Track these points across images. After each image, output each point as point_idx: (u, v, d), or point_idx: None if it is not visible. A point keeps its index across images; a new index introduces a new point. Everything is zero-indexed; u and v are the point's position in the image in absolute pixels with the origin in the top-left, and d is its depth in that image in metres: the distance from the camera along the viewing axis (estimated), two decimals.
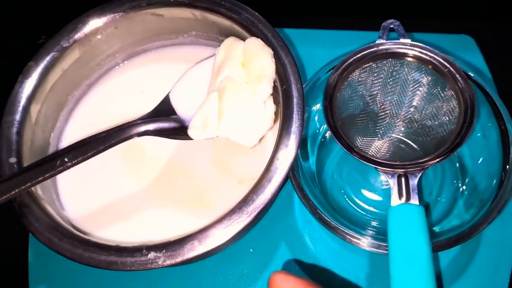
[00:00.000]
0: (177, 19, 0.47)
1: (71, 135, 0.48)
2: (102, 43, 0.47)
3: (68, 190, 0.45)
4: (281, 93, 0.41)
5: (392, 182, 0.39)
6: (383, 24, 0.45)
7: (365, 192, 0.48)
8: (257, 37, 0.42)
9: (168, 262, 0.36)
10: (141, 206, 0.44)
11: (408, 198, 0.39)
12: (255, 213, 0.37)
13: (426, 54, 0.43)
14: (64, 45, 0.44)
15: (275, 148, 0.39)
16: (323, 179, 0.48)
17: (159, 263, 0.36)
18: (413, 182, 0.39)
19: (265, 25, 0.43)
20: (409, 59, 0.43)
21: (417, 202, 0.38)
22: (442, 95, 0.42)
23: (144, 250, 0.36)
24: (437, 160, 0.39)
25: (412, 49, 0.43)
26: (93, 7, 0.46)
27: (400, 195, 0.39)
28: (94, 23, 0.45)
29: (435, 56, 0.42)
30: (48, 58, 0.44)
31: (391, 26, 0.45)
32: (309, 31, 0.57)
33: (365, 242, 0.41)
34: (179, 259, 0.36)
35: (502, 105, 0.43)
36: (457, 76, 0.41)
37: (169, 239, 0.37)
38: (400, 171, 0.39)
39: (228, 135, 0.40)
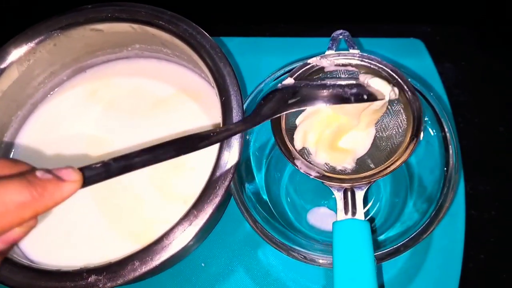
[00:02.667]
0: (117, 34, 0.46)
1: (18, 156, 0.47)
2: (42, 61, 0.46)
3: None
4: (221, 105, 0.40)
5: (338, 196, 0.39)
6: (332, 35, 0.44)
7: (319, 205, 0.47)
8: (196, 49, 0.42)
9: (109, 284, 0.35)
10: (88, 230, 0.44)
11: (354, 213, 0.38)
12: (196, 230, 0.36)
13: (374, 65, 0.42)
14: (1, 66, 0.43)
15: (217, 160, 0.38)
16: (277, 193, 0.48)
17: (100, 285, 0.35)
18: (359, 196, 0.39)
19: (203, 36, 0.42)
20: (359, 69, 0.42)
21: (362, 217, 0.38)
22: (391, 108, 0.42)
23: (85, 274, 0.36)
24: (383, 174, 0.38)
25: (361, 60, 0.42)
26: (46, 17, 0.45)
27: (346, 210, 0.38)
28: (31, 42, 0.44)
29: (384, 67, 0.41)
30: None
31: (340, 36, 0.44)
32: (249, 39, 0.56)
33: (311, 259, 0.40)
34: (120, 281, 0.35)
35: (442, 111, 0.43)
36: (405, 87, 0.40)
37: (109, 260, 0.36)
38: (346, 185, 0.39)
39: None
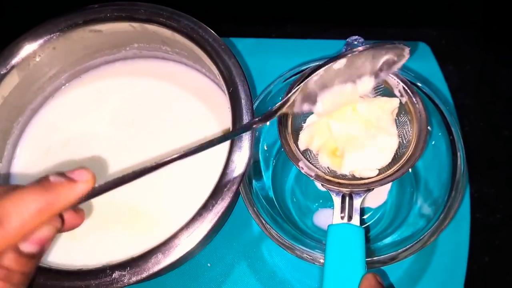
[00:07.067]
0: (116, 33, 0.46)
1: (21, 162, 0.47)
2: (42, 65, 0.46)
3: None
4: (229, 96, 0.41)
5: (336, 200, 0.40)
6: (347, 40, 0.44)
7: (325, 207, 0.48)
8: (199, 43, 0.43)
9: (134, 279, 0.35)
10: (97, 228, 0.44)
11: (350, 218, 0.39)
12: (216, 218, 0.37)
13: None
14: (2, 72, 0.43)
15: (229, 151, 0.39)
16: (283, 193, 0.48)
17: (125, 281, 0.35)
18: (357, 202, 0.39)
19: (206, 30, 0.43)
20: None
21: (358, 223, 0.39)
22: (398, 118, 0.43)
23: (108, 270, 0.36)
24: (382, 182, 0.39)
25: None
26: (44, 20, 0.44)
27: (342, 214, 0.39)
28: (31, 46, 0.44)
29: (395, 78, 0.42)
30: None
31: (355, 42, 0.44)
32: (259, 40, 0.56)
33: (319, 258, 0.40)
34: (144, 274, 0.35)
35: (450, 116, 0.43)
36: (414, 99, 0.41)
37: (132, 255, 0.36)
38: (345, 190, 0.40)
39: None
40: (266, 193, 0.46)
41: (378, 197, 0.48)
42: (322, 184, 0.41)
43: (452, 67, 0.56)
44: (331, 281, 0.36)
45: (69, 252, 0.42)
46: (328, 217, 0.46)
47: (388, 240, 0.43)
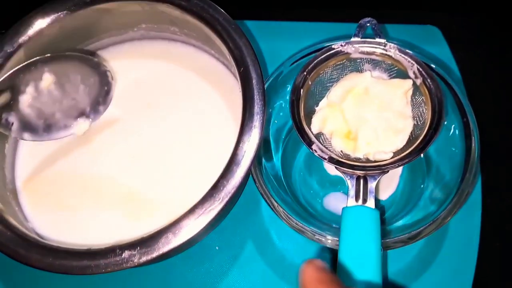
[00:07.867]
0: (124, 13, 0.45)
1: (28, 143, 0.46)
2: (48, 45, 0.45)
3: (30, 200, 0.44)
4: (239, 76, 0.40)
5: (351, 183, 0.39)
6: (360, 22, 0.44)
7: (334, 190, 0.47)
8: (209, 22, 0.42)
9: (144, 259, 0.35)
10: (108, 209, 0.43)
11: (364, 200, 0.39)
12: (227, 199, 0.36)
13: (401, 57, 0.42)
14: (8, 50, 0.42)
15: (240, 131, 0.38)
16: (291, 176, 0.47)
17: (135, 261, 0.35)
18: (372, 184, 0.39)
19: (216, 9, 0.42)
20: (384, 59, 0.43)
21: (373, 206, 0.38)
22: (413, 99, 0.42)
23: (118, 250, 0.35)
24: (398, 164, 0.39)
25: (386, 50, 0.42)
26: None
27: (357, 197, 0.39)
28: (38, 24, 0.43)
29: (410, 59, 0.41)
30: None
31: (368, 24, 0.44)
32: (270, 22, 0.55)
33: (329, 240, 0.40)
34: (154, 254, 0.35)
35: (464, 97, 0.43)
36: (428, 81, 0.41)
37: (142, 235, 0.36)
38: (360, 172, 0.39)
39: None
40: (276, 175, 0.45)
41: (387, 188, 0.47)
42: (336, 167, 0.40)
43: (463, 52, 0.55)
44: (347, 263, 0.36)
45: (74, 232, 0.42)
46: (339, 201, 0.46)
47: (400, 222, 0.42)
